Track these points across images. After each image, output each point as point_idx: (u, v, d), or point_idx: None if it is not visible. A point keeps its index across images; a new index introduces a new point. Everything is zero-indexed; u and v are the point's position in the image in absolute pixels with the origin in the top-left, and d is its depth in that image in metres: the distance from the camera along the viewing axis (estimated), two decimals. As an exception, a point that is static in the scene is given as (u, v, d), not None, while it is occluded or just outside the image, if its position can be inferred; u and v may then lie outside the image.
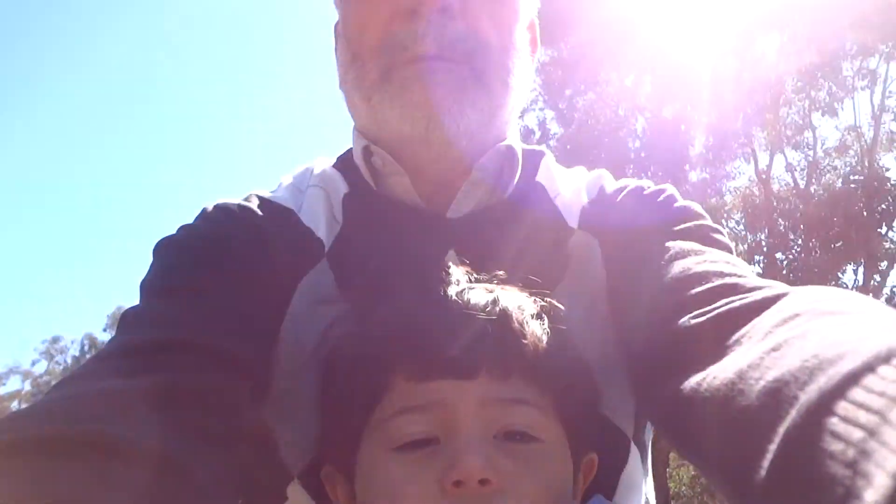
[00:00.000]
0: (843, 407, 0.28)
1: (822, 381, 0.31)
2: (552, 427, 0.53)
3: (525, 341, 0.53)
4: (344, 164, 0.74)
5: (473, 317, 0.53)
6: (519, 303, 0.57)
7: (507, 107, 0.68)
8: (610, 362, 0.63)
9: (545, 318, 0.59)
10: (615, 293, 0.64)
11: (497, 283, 0.58)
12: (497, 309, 0.54)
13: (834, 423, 0.28)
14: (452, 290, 0.56)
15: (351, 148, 0.74)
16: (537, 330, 0.56)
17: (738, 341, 0.44)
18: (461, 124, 0.62)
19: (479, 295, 0.56)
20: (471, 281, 0.58)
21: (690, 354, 0.48)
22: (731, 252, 0.63)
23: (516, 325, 0.54)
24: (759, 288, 0.49)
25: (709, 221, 0.67)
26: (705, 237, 0.63)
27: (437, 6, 0.60)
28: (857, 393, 0.28)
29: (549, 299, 0.64)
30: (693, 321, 0.50)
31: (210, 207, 0.67)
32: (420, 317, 0.54)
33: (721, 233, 0.66)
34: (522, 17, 0.69)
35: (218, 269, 0.60)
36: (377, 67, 0.63)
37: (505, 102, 0.67)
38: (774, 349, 0.38)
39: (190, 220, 0.67)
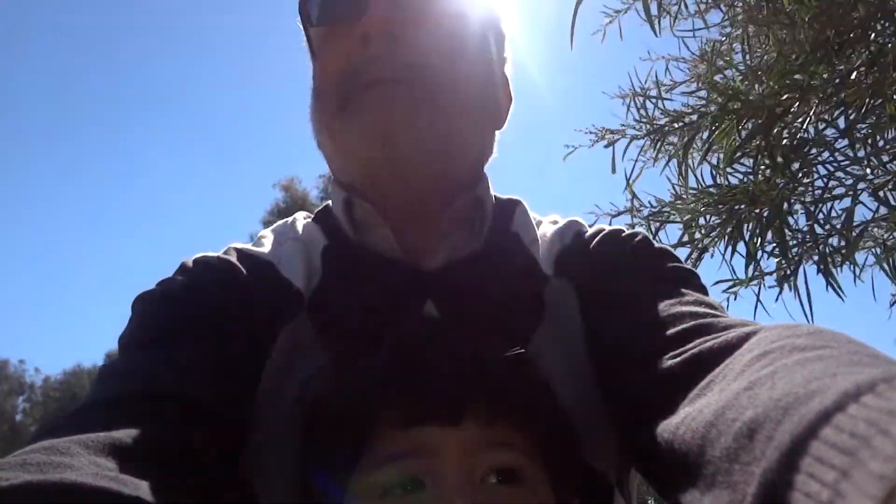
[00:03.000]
0: (816, 447, 0.29)
1: (794, 421, 0.31)
2: (537, 472, 0.53)
3: (507, 388, 0.54)
4: (323, 217, 0.75)
5: (455, 364, 0.54)
6: (498, 350, 0.57)
7: (465, 133, 0.69)
8: (590, 407, 0.63)
9: (525, 365, 0.59)
10: (592, 338, 0.65)
11: (475, 333, 0.59)
12: (477, 357, 0.55)
13: (808, 463, 0.29)
14: (432, 341, 0.57)
15: (328, 204, 0.76)
16: (519, 376, 0.56)
17: (712, 381, 0.45)
18: (417, 143, 0.63)
19: (458, 345, 0.56)
20: (449, 331, 0.59)
21: (667, 397, 0.48)
22: (706, 293, 0.64)
23: (497, 372, 0.54)
24: (732, 327, 0.50)
25: (683, 264, 0.68)
26: (680, 280, 0.64)
27: (383, 30, 0.63)
28: (828, 433, 0.29)
29: (526, 346, 0.64)
30: (668, 363, 0.51)
31: (189, 262, 0.67)
32: (402, 366, 0.54)
33: (696, 275, 0.67)
34: (480, 55, 0.71)
35: (198, 323, 0.60)
36: (336, 98, 0.66)
37: (461, 126, 0.68)
38: (748, 388, 0.38)
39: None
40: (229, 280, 0.65)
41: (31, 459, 0.39)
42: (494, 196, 0.75)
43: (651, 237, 0.71)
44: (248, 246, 0.72)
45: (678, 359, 0.50)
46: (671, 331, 0.54)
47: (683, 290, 0.61)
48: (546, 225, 0.77)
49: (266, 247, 0.71)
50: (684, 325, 0.53)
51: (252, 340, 0.62)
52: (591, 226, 0.76)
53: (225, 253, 0.69)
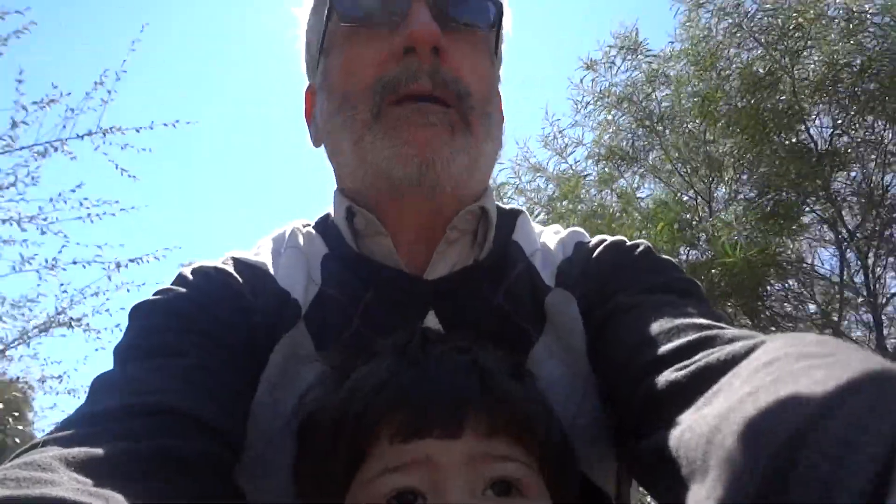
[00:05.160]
0: (813, 438, 0.29)
1: (796, 417, 0.31)
2: (538, 485, 0.53)
3: (508, 401, 0.53)
4: (323, 225, 0.74)
5: (456, 376, 0.53)
6: (498, 362, 0.56)
7: (487, 157, 0.69)
8: (591, 420, 0.62)
9: (524, 377, 0.58)
10: (595, 349, 0.64)
11: (475, 344, 0.58)
12: (478, 369, 0.54)
13: (806, 454, 0.29)
14: (432, 351, 0.56)
15: (328, 212, 0.75)
16: (518, 389, 0.55)
17: (718, 391, 0.44)
18: (452, 168, 0.62)
19: (459, 356, 0.55)
20: (449, 342, 0.58)
21: (672, 408, 0.48)
22: (708, 305, 0.63)
23: (498, 384, 0.54)
24: (737, 339, 0.49)
25: (685, 275, 0.67)
26: (682, 291, 0.64)
27: (431, 45, 0.62)
28: (826, 424, 0.29)
29: (527, 357, 0.63)
30: (673, 374, 0.50)
31: (187, 271, 0.67)
32: (402, 377, 0.54)
33: (698, 286, 0.66)
34: (497, 77, 0.72)
35: (195, 333, 0.59)
36: (369, 107, 0.63)
37: (486, 152, 0.68)
38: (752, 392, 0.38)
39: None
40: (227, 290, 0.64)
41: (10, 475, 0.39)
42: (497, 206, 0.74)
43: (653, 247, 0.70)
44: (247, 255, 0.71)
45: (684, 370, 0.49)
46: (676, 342, 0.53)
47: (687, 301, 0.60)
48: (547, 235, 0.76)
49: (264, 256, 0.71)
50: (689, 337, 0.52)
51: (249, 351, 0.61)
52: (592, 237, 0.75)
53: (223, 262, 0.69)
